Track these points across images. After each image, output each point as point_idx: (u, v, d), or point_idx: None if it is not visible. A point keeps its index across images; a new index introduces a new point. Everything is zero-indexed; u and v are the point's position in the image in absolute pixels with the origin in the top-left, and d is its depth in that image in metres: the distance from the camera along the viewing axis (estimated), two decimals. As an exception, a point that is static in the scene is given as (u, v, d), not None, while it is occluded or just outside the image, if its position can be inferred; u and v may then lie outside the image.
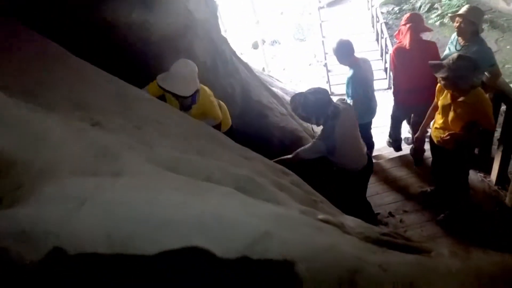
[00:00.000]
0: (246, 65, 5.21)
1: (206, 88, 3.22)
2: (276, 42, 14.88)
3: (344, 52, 4.02)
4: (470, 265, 0.78)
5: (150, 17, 3.07)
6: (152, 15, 3.05)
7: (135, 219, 0.81)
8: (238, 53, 5.72)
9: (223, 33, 6.79)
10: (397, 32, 4.29)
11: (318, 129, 3.21)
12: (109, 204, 0.85)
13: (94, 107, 1.70)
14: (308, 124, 3.29)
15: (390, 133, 4.97)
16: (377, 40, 9.39)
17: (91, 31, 2.87)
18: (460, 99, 3.01)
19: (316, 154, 3.03)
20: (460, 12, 3.67)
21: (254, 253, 0.77)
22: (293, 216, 1.09)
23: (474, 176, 4.15)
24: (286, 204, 1.29)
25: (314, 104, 2.84)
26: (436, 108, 3.36)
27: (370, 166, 3.31)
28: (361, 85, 4.03)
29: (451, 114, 3.13)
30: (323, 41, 10.10)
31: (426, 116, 3.56)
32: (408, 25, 3.98)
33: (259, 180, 1.49)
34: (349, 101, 4.00)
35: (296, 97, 2.98)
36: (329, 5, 12.70)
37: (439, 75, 2.97)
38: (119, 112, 1.95)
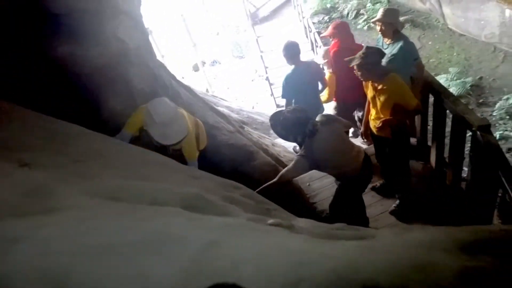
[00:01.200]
0: (188, 88, 5.22)
1: (185, 114, 3.14)
2: (216, 62, 15.02)
3: (289, 52, 4.31)
4: (408, 238, 0.83)
5: (77, 50, 2.99)
6: (79, 47, 2.97)
7: (70, 252, 0.78)
8: (179, 77, 5.72)
9: (160, 58, 6.76)
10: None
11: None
12: (43, 241, 0.81)
13: (24, 148, 1.62)
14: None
15: None
16: (312, 49, 9.76)
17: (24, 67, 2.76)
18: (379, 87, 3.29)
19: (300, 171, 3.04)
20: (377, 17, 3.96)
21: (203, 262, 0.77)
22: (241, 224, 1.10)
23: (415, 165, 4.43)
24: (236, 215, 1.29)
25: (292, 122, 2.90)
26: (369, 102, 3.58)
27: (367, 171, 3.31)
28: (293, 87, 4.32)
29: (378, 103, 3.39)
30: (261, 56, 10.35)
31: (365, 111, 3.76)
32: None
33: (208, 196, 1.49)
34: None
35: (275, 116, 3.04)
36: (262, 20, 13.08)
37: (353, 64, 3.24)
38: (56, 150, 1.89)
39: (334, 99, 4.84)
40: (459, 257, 0.65)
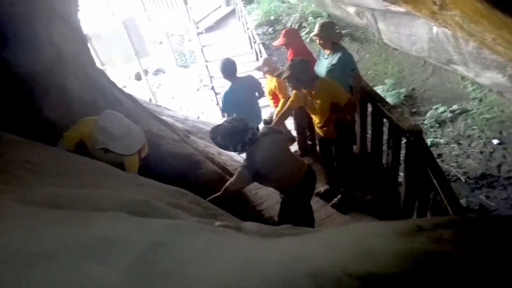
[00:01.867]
0: (130, 97, 5.08)
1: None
2: (160, 71, 14.76)
3: (226, 71, 4.53)
4: (349, 227, 0.87)
5: (9, 56, 2.81)
6: (11, 53, 2.80)
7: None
8: (121, 86, 5.56)
9: (100, 66, 6.51)
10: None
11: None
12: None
13: None
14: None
15: None
16: (257, 60, 9.92)
17: None
18: (313, 92, 3.50)
19: (244, 183, 3.01)
20: (315, 32, 4.14)
21: (148, 263, 0.75)
22: (188, 225, 1.09)
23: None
24: (183, 219, 1.28)
25: (230, 132, 2.87)
26: (288, 111, 3.79)
27: (310, 183, 3.35)
28: (232, 102, 4.58)
29: (316, 108, 3.59)
30: (206, 65, 10.32)
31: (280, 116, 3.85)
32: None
33: (153, 202, 1.46)
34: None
35: (214, 128, 2.99)
36: (208, 30, 13.03)
37: (284, 76, 3.43)
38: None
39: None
40: (398, 241, 0.69)
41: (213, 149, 5.71)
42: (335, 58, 4.07)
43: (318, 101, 3.54)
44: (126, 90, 6.15)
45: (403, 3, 4.33)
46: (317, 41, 4.15)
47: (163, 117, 5.43)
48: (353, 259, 0.64)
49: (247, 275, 0.68)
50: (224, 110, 4.81)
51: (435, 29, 8.67)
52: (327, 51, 4.19)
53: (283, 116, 3.80)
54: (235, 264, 0.74)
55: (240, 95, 4.59)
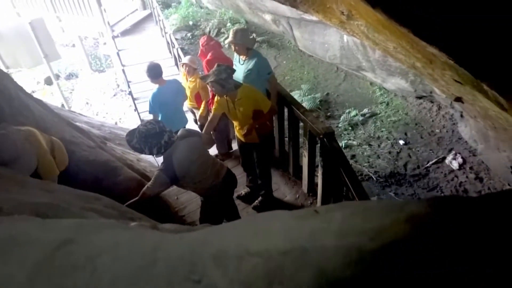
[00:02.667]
0: (39, 102, 4.77)
1: (37, 133, 2.81)
2: (73, 76, 13.95)
3: (152, 73, 4.69)
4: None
5: None
6: None
7: None
8: (29, 91, 5.18)
9: (5, 70, 6.00)
10: (199, 53, 5.01)
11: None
12: None
13: None
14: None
15: None
16: (176, 64, 9.83)
17: None
18: (236, 99, 3.59)
19: (161, 186, 2.94)
20: (229, 39, 4.27)
21: (56, 259, 0.76)
22: (98, 223, 1.09)
23: (276, 172, 4.86)
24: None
25: (145, 135, 2.82)
26: (215, 118, 3.85)
27: (228, 182, 3.39)
28: (159, 103, 4.74)
29: (239, 115, 3.67)
30: (123, 70, 9.98)
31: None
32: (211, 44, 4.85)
33: (64, 205, 1.42)
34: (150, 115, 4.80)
35: (130, 132, 2.92)
36: (123, 34, 12.62)
37: (208, 81, 3.49)
38: None
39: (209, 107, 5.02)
40: (293, 222, 0.78)
41: (132, 156, 5.57)
42: (251, 63, 4.23)
43: (241, 109, 3.63)
44: (35, 95, 5.75)
45: (314, 12, 4.60)
46: (233, 47, 4.27)
47: (77, 124, 5.18)
48: (253, 239, 0.72)
49: (154, 262, 0.72)
50: (151, 111, 4.92)
51: (345, 37, 9.25)
52: (243, 57, 4.33)
53: (211, 123, 3.85)
54: (142, 253, 0.77)
55: (167, 97, 4.78)
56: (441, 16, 2.38)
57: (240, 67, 4.32)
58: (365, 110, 9.11)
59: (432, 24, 2.48)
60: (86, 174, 3.66)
